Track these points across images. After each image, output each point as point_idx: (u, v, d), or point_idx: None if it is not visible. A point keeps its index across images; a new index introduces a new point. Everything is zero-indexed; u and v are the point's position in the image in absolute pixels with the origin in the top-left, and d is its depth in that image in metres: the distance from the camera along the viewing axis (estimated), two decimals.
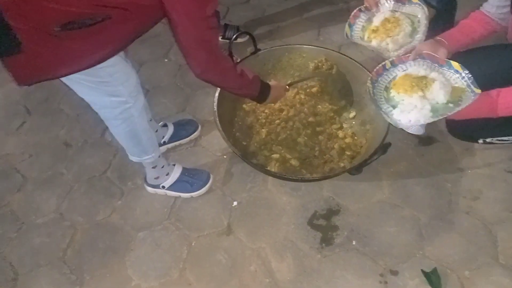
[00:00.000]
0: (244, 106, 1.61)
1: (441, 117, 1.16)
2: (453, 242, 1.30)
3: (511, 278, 1.21)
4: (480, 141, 1.40)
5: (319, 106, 1.59)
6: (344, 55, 1.54)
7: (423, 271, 1.24)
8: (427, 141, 1.58)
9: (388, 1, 1.44)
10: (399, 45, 1.36)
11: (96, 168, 1.59)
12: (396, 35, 1.36)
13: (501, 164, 1.48)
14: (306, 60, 1.58)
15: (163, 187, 1.42)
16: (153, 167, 1.37)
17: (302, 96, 1.60)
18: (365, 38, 1.43)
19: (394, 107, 1.21)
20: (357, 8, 1.49)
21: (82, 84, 1.03)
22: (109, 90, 1.07)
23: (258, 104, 1.59)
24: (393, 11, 1.43)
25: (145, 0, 0.90)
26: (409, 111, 1.17)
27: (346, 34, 1.45)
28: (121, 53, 1.21)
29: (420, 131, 1.19)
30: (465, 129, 1.40)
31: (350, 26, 1.45)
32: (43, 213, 1.47)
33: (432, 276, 1.22)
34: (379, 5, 1.47)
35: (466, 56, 1.29)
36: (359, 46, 1.94)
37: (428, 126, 1.59)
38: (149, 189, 1.45)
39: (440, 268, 1.24)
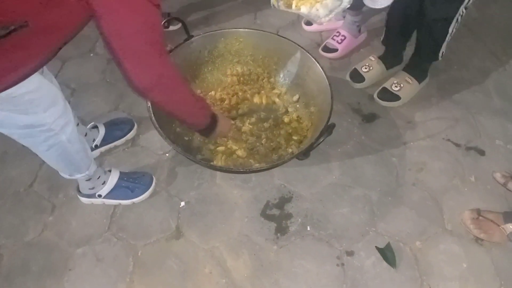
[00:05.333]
0: None
1: None
2: (403, 216, 1.32)
3: (459, 244, 1.26)
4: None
5: (262, 92, 1.53)
6: (283, 37, 1.48)
7: (377, 248, 1.25)
8: (370, 118, 1.58)
9: None
10: (328, 9, 1.32)
11: (21, 181, 1.40)
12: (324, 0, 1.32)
13: (441, 134, 1.53)
14: (244, 45, 1.50)
15: (100, 196, 1.29)
16: (87, 180, 1.23)
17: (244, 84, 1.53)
18: (293, 6, 1.37)
19: None
20: None
21: None
22: (25, 119, 0.89)
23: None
24: None
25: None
26: None
27: (273, 4, 1.39)
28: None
29: (389, 2, 1.20)
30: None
31: None
32: None
33: (386, 252, 1.24)
34: None
35: None
36: (297, 28, 1.91)
37: (370, 103, 1.63)
38: (84, 199, 1.31)
39: (393, 242, 1.26)
